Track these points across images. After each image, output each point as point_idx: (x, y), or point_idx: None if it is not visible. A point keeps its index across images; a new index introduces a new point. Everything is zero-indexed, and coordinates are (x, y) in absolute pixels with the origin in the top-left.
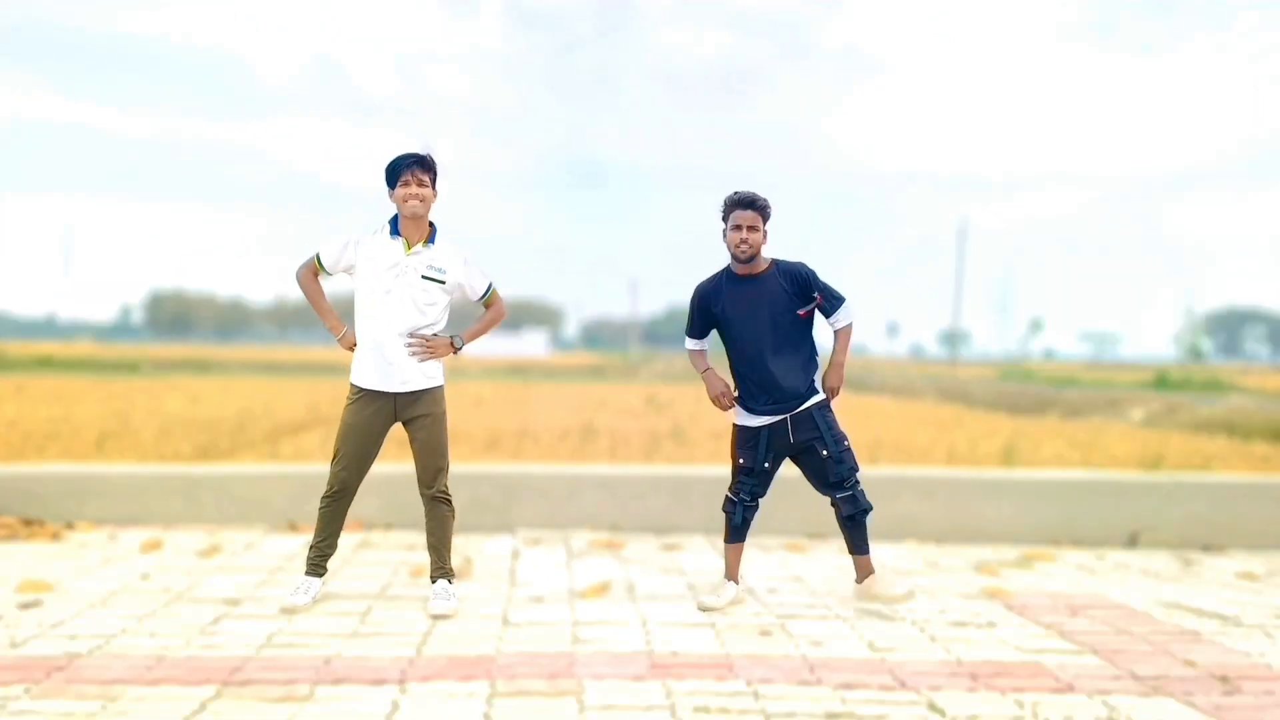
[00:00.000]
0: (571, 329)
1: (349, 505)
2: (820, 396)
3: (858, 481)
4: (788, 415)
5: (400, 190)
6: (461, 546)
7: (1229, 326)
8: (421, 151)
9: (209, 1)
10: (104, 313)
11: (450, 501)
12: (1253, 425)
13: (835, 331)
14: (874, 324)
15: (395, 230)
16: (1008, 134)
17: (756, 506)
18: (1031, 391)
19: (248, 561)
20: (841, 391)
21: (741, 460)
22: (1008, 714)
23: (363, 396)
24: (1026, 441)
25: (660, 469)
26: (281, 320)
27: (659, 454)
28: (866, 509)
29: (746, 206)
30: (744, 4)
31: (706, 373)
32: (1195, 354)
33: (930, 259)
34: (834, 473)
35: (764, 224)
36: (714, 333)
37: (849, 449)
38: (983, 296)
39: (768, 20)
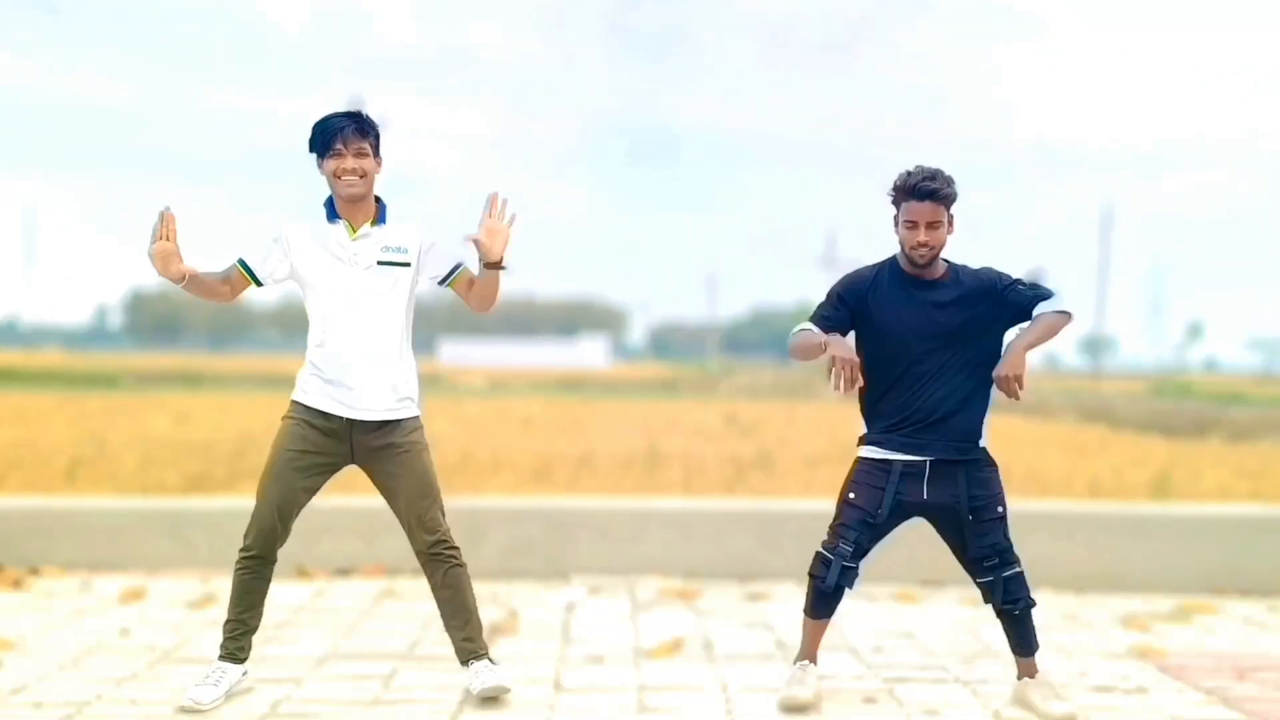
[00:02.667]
0: (637, 334)
1: (271, 572)
2: (982, 452)
3: (1011, 562)
4: (929, 459)
5: (331, 162)
6: (505, 597)
7: None
8: (355, 109)
9: None
10: (76, 315)
11: (457, 553)
12: None
13: (1043, 312)
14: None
15: (333, 214)
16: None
17: (856, 571)
18: (1190, 410)
19: None
20: (1020, 392)
21: (852, 495)
22: None
23: (306, 418)
24: (1184, 470)
25: (743, 503)
26: (287, 325)
27: (742, 485)
28: (1019, 601)
29: (926, 197)
30: None
31: (826, 343)
32: None
33: (1069, 249)
34: (973, 547)
35: (949, 217)
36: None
37: (1000, 518)
38: (1132, 295)
39: None
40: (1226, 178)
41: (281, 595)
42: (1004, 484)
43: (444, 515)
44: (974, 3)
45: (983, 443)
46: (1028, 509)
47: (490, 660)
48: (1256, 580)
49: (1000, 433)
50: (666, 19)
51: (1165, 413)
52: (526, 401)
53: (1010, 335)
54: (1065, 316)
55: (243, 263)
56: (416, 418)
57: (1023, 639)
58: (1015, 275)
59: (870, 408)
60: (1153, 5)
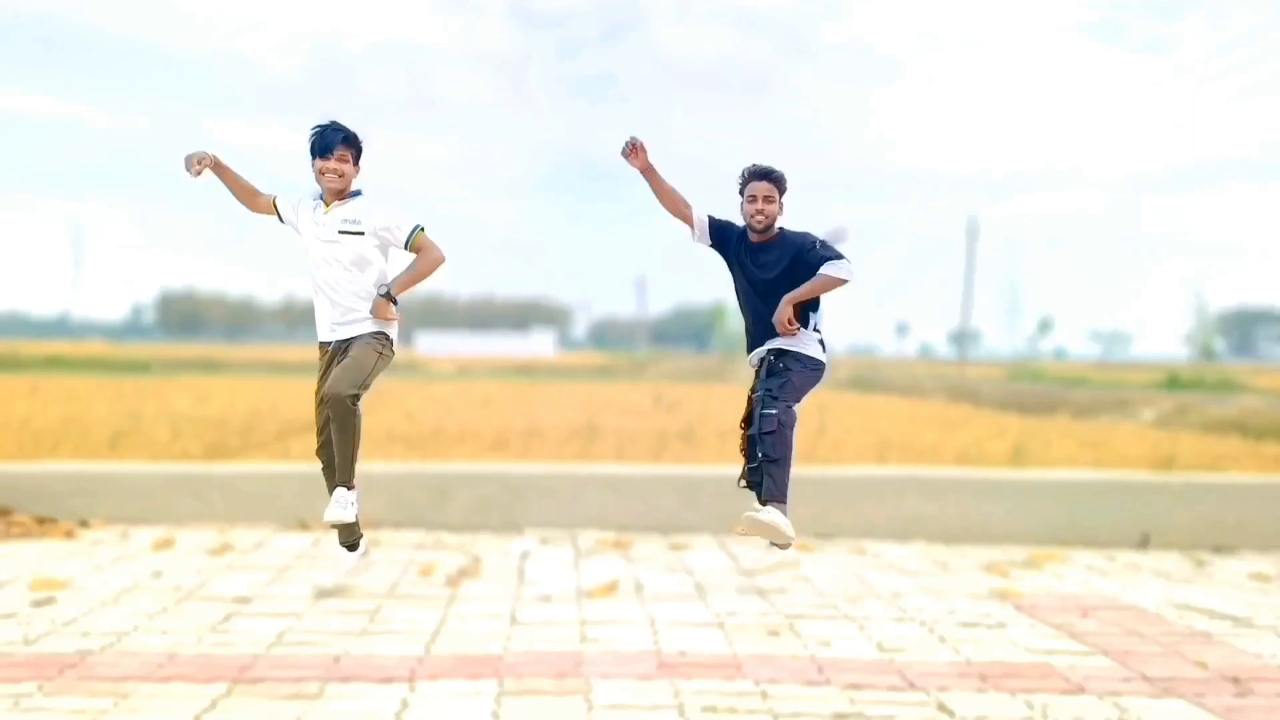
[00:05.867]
0: (580, 329)
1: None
2: (800, 348)
3: (772, 406)
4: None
5: (319, 162)
6: (470, 546)
7: (1241, 326)
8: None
9: (202, 4)
10: (115, 312)
11: (352, 405)
12: (1265, 425)
13: (821, 272)
14: (883, 324)
15: (319, 198)
16: (1016, 131)
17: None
18: (1041, 391)
19: (258, 560)
20: (787, 323)
21: (742, 426)
22: (1018, 715)
23: (323, 353)
24: (1036, 442)
25: (668, 469)
26: (290, 320)
27: (667, 454)
28: (763, 436)
29: (762, 178)
30: (748, 3)
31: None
32: (1207, 354)
33: (940, 258)
34: (755, 390)
35: (780, 196)
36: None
37: (786, 377)
38: (992, 296)
39: (770, 20)
40: (1072, 196)
41: (285, 544)
42: (884, 454)
43: (358, 384)
44: (852, 50)
45: (809, 350)
46: (905, 474)
47: (347, 488)
48: (1097, 534)
49: (882, 411)
50: (600, 66)
51: (1021, 394)
52: (487, 384)
53: None
54: (834, 280)
55: (275, 199)
56: (375, 332)
57: (765, 485)
58: (819, 238)
59: (747, 330)
60: (991, 53)
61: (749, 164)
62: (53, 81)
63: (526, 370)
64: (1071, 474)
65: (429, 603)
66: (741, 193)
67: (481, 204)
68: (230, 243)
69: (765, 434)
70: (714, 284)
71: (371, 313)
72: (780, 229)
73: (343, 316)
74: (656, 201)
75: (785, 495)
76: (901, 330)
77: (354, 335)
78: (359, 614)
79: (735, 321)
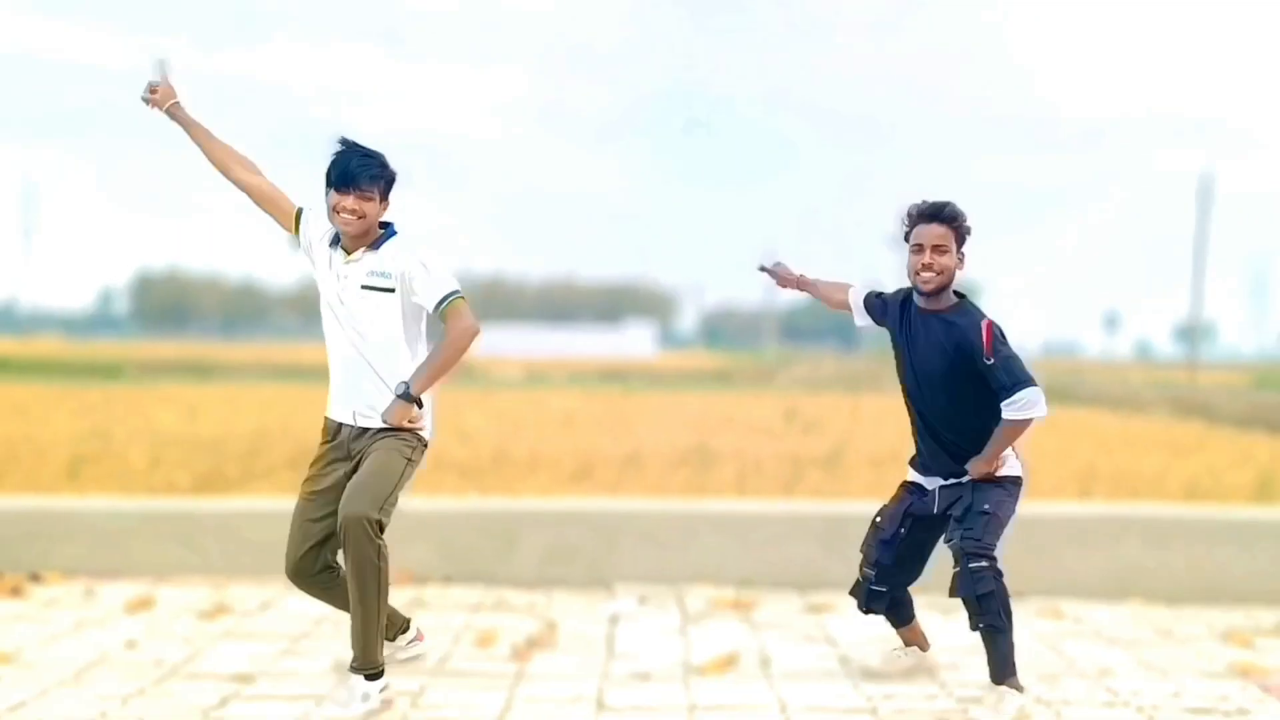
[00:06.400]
0: (687, 321)
1: (331, 580)
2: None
3: (975, 555)
4: (938, 486)
5: (334, 197)
6: (543, 607)
7: None
8: (354, 145)
9: None
10: (77, 299)
11: (375, 537)
12: None
13: (1005, 419)
14: (1087, 315)
15: (335, 239)
16: (1262, 63)
17: (886, 594)
18: None
19: (264, 625)
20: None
21: (879, 519)
22: None
23: (324, 434)
24: None
25: (804, 505)
26: (305, 309)
27: (802, 486)
28: (979, 599)
29: (932, 219)
30: None
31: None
32: None
33: (1162, 229)
34: (949, 537)
35: (957, 245)
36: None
37: (988, 515)
38: (1232, 279)
39: None
40: None
41: (302, 605)
42: (1089, 486)
43: (379, 508)
44: None
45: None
46: (1118, 513)
47: (365, 678)
48: None
49: (1087, 429)
50: None
51: (1269, 407)
52: (566, 394)
53: None
54: (1024, 424)
55: (301, 211)
56: (413, 436)
57: (991, 657)
58: (996, 336)
59: (911, 425)
60: None
61: (915, 203)
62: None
63: (618, 375)
64: None
65: (489, 682)
66: (907, 239)
67: (559, 157)
68: (228, 207)
69: (982, 597)
70: (862, 262)
71: (384, 419)
72: (959, 298)
73: (362, 402)
74: (823, 305)
75: (1015, 668)
76: (1112, 323)
77: (379, 431)
78: (398, 695)
79: None
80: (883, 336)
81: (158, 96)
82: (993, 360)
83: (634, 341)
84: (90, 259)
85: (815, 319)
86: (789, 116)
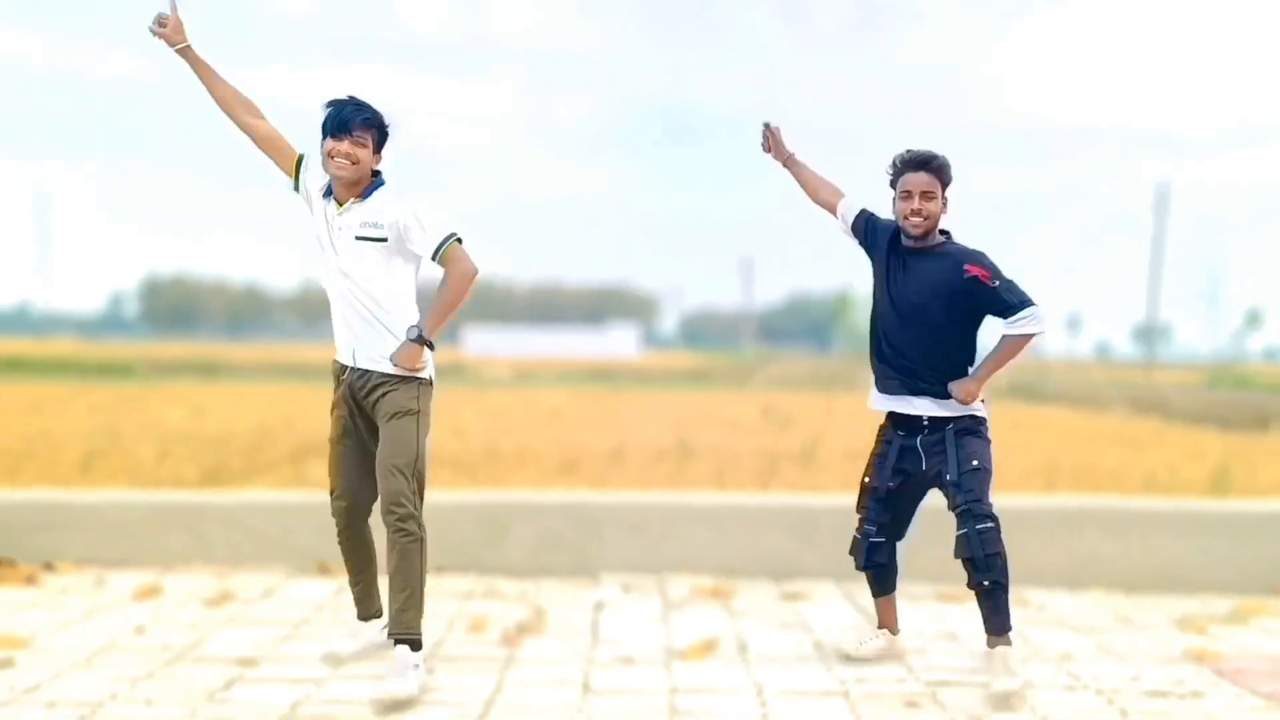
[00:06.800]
0: (668, 322)
1: (364, 530)
2: (962, 412)
3: (981, 517)
4: (919, 439)
5: (329, 143)
6: (531, 595)
7: None
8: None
9: None
10: (89, 303)
11: (414, 530)
12: None
13: (1005, 335)
14: (1050, 317)
15: (329, 190)
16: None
17: (885, 544)
18: (1249, 401)
19: (267, 612)
20: (972, 399)
21: (867, 479)
22: None
23: (334, 378)
24: (1242, 465)
25: (780, 498)
26: (306, 312)
27: (778, 480)
28: (986, 559)
29: (919, 167)
30: None
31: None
32: None
33: (1120, 235)
34: (951, 501)
35: (943, 190)
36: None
37: (979, 471)
38: (1187, 282)
39: None
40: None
41: (301, 592)
42: (1052, 480)
43: (414, 485)
44: None
45: (975, 406)
46: (1078, 505)
47: (412, 648)
48: None
49: (1049, 426)
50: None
51: (1222, 404)
52: (553, 392)
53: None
54: (1023, 343)
55: (302, 158)
56: (413, 379)
57: (988, 610)
58: (995, 266)
59: (873, 354)
60: None
61: (902, 151)
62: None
63: (603, 375)
64: None
65: (481, 665)
66: (894, 185)
67: (546, 168)
68: (234, 213)
69: (990, 555)
70: (837, 267)
71: (393, 361)
72: (944, 236)
73: (361, 346)
74: (804, 195)
75: (1010, 622)
76: (1073, 325)
77: (381, 378)
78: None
79: (863, 314)
80: (857, 336)
81: (167, 30)
82: (996, 283)
83: (618, 342)
84: (102, 265)
85: (792, 321)
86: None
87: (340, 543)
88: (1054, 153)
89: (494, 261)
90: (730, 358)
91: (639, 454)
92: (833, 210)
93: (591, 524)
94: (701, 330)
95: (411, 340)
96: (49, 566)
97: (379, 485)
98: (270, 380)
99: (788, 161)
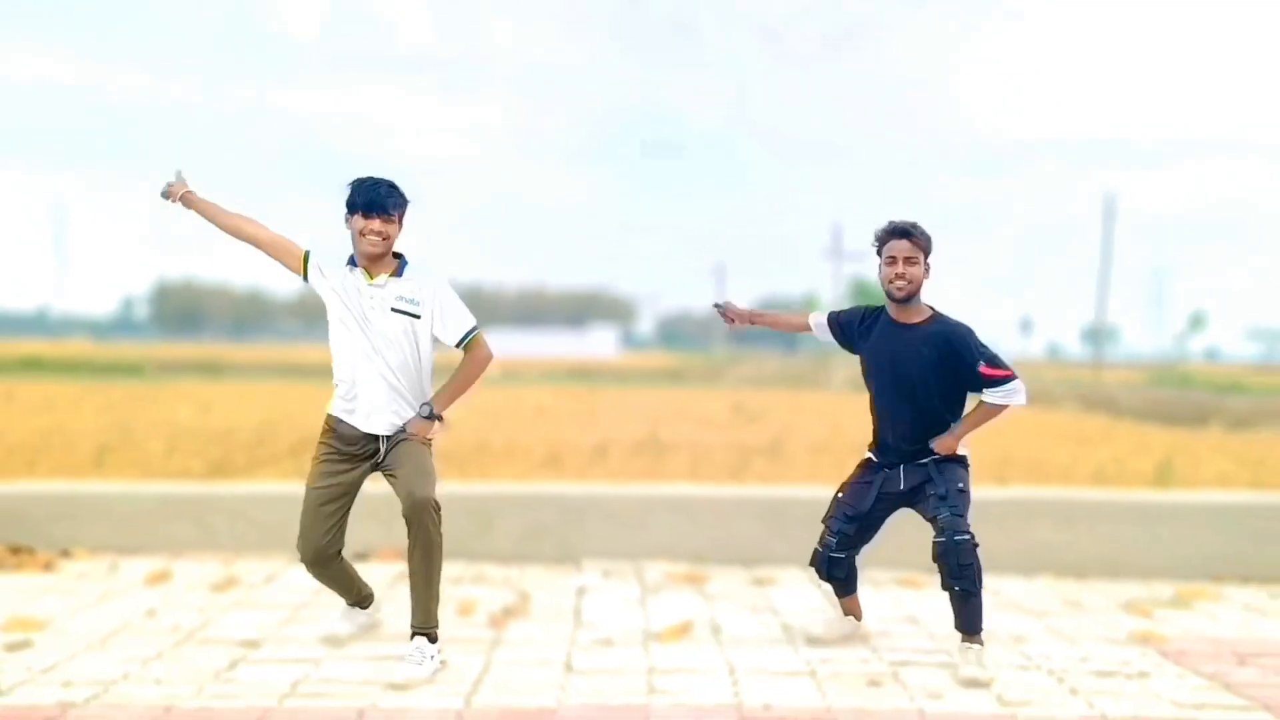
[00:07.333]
0: (645, 325)
1: (329, 566)
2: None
3: (962, 531)
4: (902, 466)
5: (360, 221)
6: (517, 580)
7: None
8: (389, 183)
9: None
10: (102, 306)
11: (438, 535)
12: None
13: (985, 402)
14: (1004, 320)
15: (353, 261)
16: (1162, 89)
17: (845, 559)
18: (1191, 399)
19: (269, 596)
20: (952, 453)
21: (841, 495)
22: None
23: (336, 438)
24: (1185, 459)
25: (750, 490)
26: (306, 315)
27: (749, 472)
28: (960, 568)
29: (902, 236)
30: None
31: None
32: None
33: (1070, 242)
34: (934, 512)
35: (925, 257)
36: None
37: (964, 493)
38: (1133, 287)
39: None
40: (1230, 169)
41: (301, 579)
42: (1004, 473)
43: (432, 486)
44: None
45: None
46: (1031, 496)
47: (429, 640)
48: (1256, 567)
49: (1004, 422)
50: (672, 14)
51: (1166, 402)
52: (538, 390)
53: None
54: (998, 408)
55: (308, 254)
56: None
57: (962, 614)
58: (982, 349)
59: (875, 422)
60: None
61: (886, 222)
62: (48, 39)
63: (584, 374)
64: (1227, 496)
65: (469, 647)
66: (879, 253)
67: (531, 177)
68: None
69: (965, 566)
70: (804, 273)
71: (408, 430)
72: (932, 311)
73: (388, 414)
74: (781, 333)
75: (981, 624)
76: (1025, 327)
77: (399, 433)
78: (387, 660)
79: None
80: (820, 341)
81: (174, 190)
82: (977, 351)
83: (598, 343)
84: (114, 271)
85: None
86: (740, 138)
87: (311, 574)
88: (1008, 163)
89: (482, 268)
90: (704, 358)
91: (618, 448)
92: (806, 329)
93: (573, 514)
94: (677, 332)
95: (424, 416)
96: (65, 554)
97: (412, 488)
98: (272, 379)
99: (752, 319)
